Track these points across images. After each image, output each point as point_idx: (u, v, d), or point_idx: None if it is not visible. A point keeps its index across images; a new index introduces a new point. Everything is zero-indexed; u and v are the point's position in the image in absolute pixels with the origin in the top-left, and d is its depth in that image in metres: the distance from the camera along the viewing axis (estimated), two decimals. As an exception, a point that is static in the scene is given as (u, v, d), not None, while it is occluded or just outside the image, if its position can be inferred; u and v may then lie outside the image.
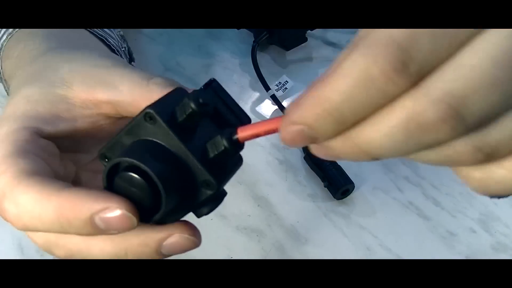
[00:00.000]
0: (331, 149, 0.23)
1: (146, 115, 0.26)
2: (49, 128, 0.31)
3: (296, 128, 0.22)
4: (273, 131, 0.24)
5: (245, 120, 0.30)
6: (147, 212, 0.27)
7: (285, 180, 0.56)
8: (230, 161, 0.29)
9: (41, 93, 0.32)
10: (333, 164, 0.55)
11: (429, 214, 0.54)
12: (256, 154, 0.58)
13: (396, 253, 0.52)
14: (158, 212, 0.26)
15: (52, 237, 0.29)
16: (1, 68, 0.42)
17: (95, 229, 0.26)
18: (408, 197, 0.55)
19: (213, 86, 0.29)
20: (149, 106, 0.26)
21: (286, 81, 0.61)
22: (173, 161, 0.26)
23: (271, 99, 0.60)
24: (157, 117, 0.26)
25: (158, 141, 0.27)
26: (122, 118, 0.33)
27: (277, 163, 0.57)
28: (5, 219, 0.29)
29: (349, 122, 0.21)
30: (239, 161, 0.30)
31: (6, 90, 0.43)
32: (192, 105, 0.26)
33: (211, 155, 0.26)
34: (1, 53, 0.41)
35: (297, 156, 0.58)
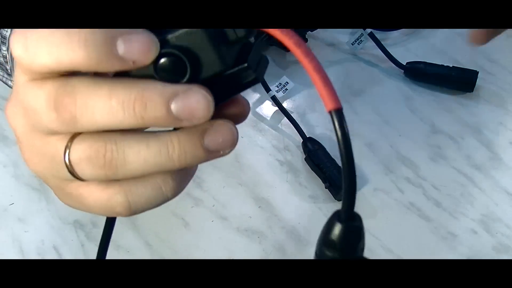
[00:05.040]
0: None
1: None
2: None
3: None
4: None
5: None
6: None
7: (286, 181, 0.56)
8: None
9: None
10: (334, 165, 0.55)
11: (430, 215, 0.54)
12: (257, 155, 0.58)
13: (398, 254, 0.52)
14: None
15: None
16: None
17: (168, 114, 0.26)
18: (409, 198, 0.55)
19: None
20: None
21: (287, 82, 0.61)
22: None
23: (271, 100, 0.60)
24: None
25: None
26: None
27: (277, 164, 0.57)
28: None
29: None
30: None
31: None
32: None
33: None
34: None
35: (298, 157, 0.58)
